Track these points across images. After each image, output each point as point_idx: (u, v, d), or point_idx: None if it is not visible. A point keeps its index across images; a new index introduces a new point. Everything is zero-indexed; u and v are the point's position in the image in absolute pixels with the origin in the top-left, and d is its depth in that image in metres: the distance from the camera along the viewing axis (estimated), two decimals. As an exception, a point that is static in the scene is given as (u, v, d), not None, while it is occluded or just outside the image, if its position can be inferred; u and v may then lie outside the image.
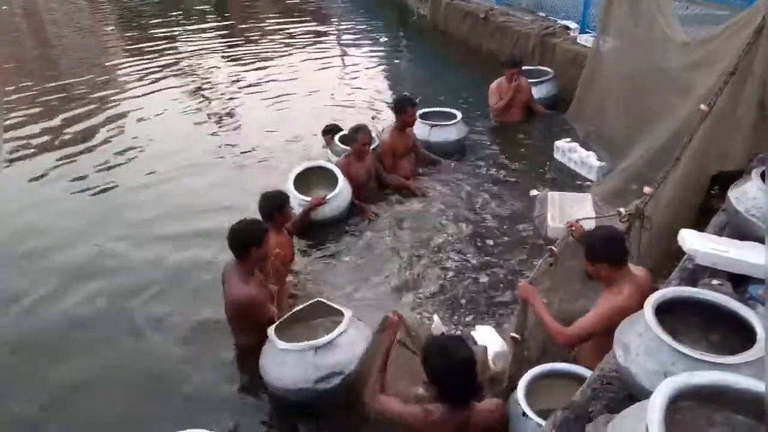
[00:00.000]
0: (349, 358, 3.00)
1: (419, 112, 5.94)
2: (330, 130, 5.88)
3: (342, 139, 5.52)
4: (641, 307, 2.68)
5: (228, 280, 3.31)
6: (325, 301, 3.30)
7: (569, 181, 5.41)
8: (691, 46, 4.11)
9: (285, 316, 3.22)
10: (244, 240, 3.24)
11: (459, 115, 5.94)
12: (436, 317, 3.51)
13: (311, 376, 2.94)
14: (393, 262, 4.25)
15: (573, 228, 3.19)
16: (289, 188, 4.68)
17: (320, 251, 4.46)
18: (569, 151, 5.60)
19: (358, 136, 4.92)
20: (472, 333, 3.25)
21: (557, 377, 2.70)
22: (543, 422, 2.29)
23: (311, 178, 4.93)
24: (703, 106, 3.24)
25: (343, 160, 5.02)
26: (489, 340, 3.14)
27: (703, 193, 3.54)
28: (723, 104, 3.21)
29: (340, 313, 3.19)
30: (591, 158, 5.40)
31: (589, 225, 3.26)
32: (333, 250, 4.48)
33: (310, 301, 3.30)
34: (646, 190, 3.37)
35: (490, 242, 4.42)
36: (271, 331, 3.07)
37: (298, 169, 4.95)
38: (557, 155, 5.76)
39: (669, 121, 4.05)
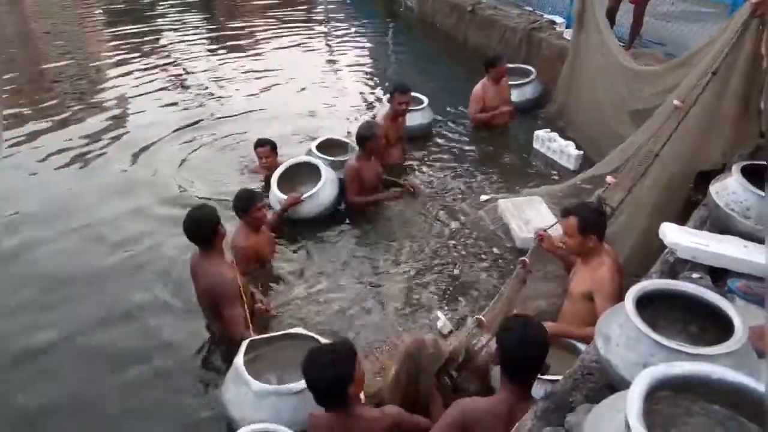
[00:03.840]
0: None
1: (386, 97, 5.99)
2: (262, 144, 5.22)
3: (323, 144, 5.35)
4: (621, 276, 2.89)
5: (201, 269, 3.30)
6: (303, 331, 3.09)
7: (547, 170, 5.52)
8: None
9: (249, 343, 2.96)
10: (207, 225, 3.23)
11: (426, 100, 5.94)
12: (440, 314, 3.50)
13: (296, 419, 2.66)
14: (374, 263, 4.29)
15: (542, 238, 3.26)
16: (273, 185, 4.70)
17: (297, 251, 4.45)
18: (548, 141, 5.68)
19: (374, 132, 4.76)
20: (438, 322, 3.28)
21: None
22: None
23: (298, 175, 4.91)
24: (677, 102, 3.28)
25: (354, 163, 4.80)
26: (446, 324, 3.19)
27: (688, 190, 3.58)
28: (706, 102, 3.24)
29: (312, 340, 2.96)
30: (570, 147, 5.49)
31: (553, 231, 3.43)
32: (311, 249, 4.48)
33: (285, 331, 3.09)
34: (609, 179, 3.45)
35: (469, 241, 4.46)
36: (242, 370, 2.78)
37: (284, 166, 4.93)
38: (536, 144, 5.83)
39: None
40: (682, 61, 3.91)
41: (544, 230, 3.36)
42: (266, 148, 5.14)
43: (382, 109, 5.81)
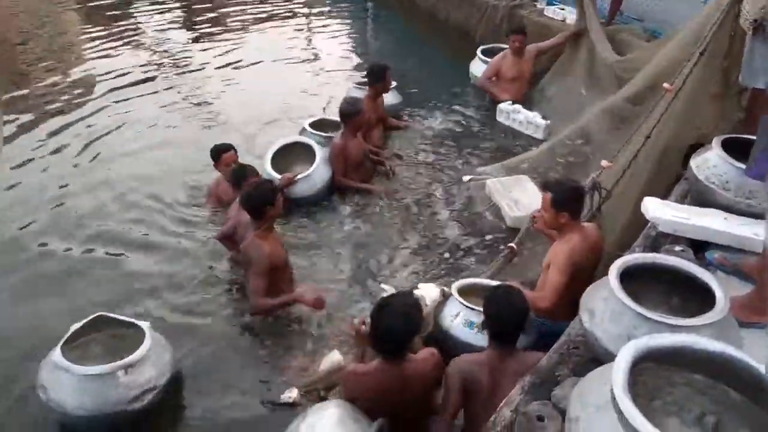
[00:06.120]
0: (160, 370, 2.93)
1: (354, 81, 6.08)
2: (227, 149, 4.47)
3: (316, 123, 5.29)
4: (587, 253, 3.03)
5: (248, 240, 3.46)
6: (108, 314, 3.11)
7: (512, 143, 5.54)
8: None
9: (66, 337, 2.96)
10: (260, 201, 3.42)
11: (394, 83, 5.75)
12: (385, 286, 3.56)
13: (125, 398, 2.77)
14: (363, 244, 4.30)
15: (536, 218, 3.32)
16: (266, 165, 4.61)
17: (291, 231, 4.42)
18: (513, 113, 5.69)
19: (359, 108, 4.70)
20: (415, 291, 3.29)
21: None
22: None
23: (292, 155, 4.84)
24: (666, 85, 3.32)
25: (339, 140, 4.70)
26: (428, 293, 3.23)
27: (678, 167, 3.63)
28: (694, 82, 3.28)
29: (127, 326, 3.07)
30: (536, 117, 5.52)
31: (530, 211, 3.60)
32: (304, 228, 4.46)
33: (90, 317, 3.05)
34: (604, 163, 3.51)
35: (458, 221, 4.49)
36: (59, 356, 2.79)
37: (278, 144, 4.85)
38: (500, 118, 5.84)
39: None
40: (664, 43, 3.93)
41: (539, 211, 3.38)
42: (231, 152, 4.42)
43: (355, 92, 5.74)
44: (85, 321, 3.03)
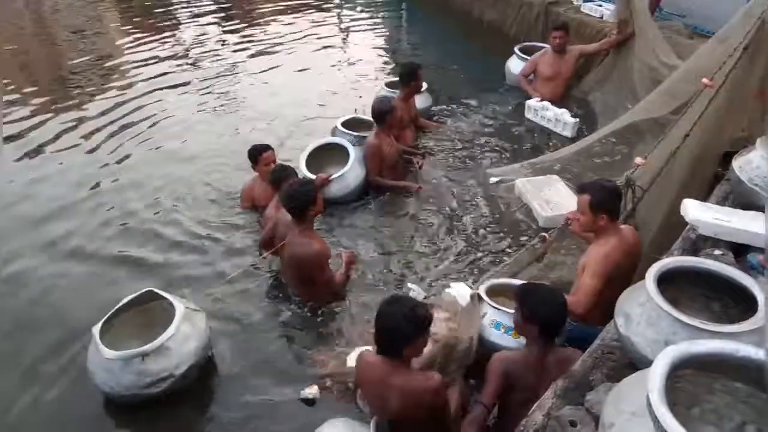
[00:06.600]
0: (179, 360, 3.02)
1: (384, 81, 6.06)
2: (266, 149, 4.48)
3: (348, 122, 5.30)
4: (624, 256, 2.96)
5: (293, 238, 3.56)
6: (156, 291, 3.27)
7: (543, 140, 5.47)
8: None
9: (116, 309, 3.18)
10: (303, 200, 3.49)
11: (425, 85, 5.75)
12: (413, 286, 3.55)
13: (139, 383, 2.93)
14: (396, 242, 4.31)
15: (571, 221, 3.26)
16: (301, 166, 4.67)
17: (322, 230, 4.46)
18: (542, 110, 5.62)
19: (392, 105, 4.73)
20: (447, 290, 3.25)
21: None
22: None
23: (326, 156, 4.89)
24: (705, 80, 3.22)
25: (373, 140, 4.72)
26: (460, 292, 3.16)
27: (715, 167, 3.53)
28: (736, 79, 3.18)
29: (170, 304, 3.17)
30: (565, 115, 5.44)
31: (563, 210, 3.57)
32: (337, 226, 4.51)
33: (140, 292, 3.26)
34: (638, 161, 3.43)
35: (489, 222, 4.46)
36: (96, 334, 2.99)
37: (313, 145, 4.91)
38: (529, 115, 5.77)
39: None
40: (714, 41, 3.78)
41: (573, 213, 3.34)
42: (270, 152, 4.43)
43: (384, 94, 5.75)
44: (133, 296, 3.24)
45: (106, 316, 3.11)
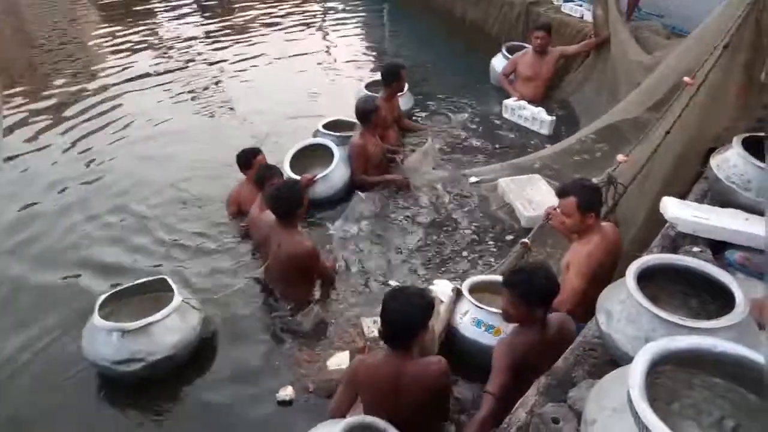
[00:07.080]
0: (158, 347, 3.06)
1: (365, 82, 6.06)
2: (256, 153, 4.44)
3: (330, 124, 5.28)
4: (606, 254, 2.99)
5: (280, 238, 3.53)
6: (168, 279, 3.37)
7: (520, 139, 5.53)
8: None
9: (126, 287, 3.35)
10: (290, 202, 3.51)
11: (405, 86, 5.74)
12: (440, 281, 3.49)
13: (112, 357, 3.03)
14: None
15: (551, 215, 3.28)
16: (285, 168, 4.64)
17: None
18: (519, 109, 5.67)
19: (375, 104, 4.72)
20: (430, 287, 3.29)
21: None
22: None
23: (310, 157, 4.86)
24: (687, 79, 3.26)
25: (358, 140, 4.72)
26: (443, 290, 3.23)
27: (697, 165, 3.58)
28: (716, 77, 3.22)
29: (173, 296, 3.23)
30: (542, 113, 5.51)
31: (546, 206, 3.60)
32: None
33: (153, 277, 3.41)
34: (620, 158, 3.46)
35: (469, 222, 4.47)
36: (96, 303, 3.15)
37: (297, 147, 4.88)
38: (506, 114, 5.83)
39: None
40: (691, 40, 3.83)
41: (554, 208, 3.35)
42: (262, 155, 4.42)
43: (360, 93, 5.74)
44: (147, 279, 3.41)
45: (116, 290, 3.30)
